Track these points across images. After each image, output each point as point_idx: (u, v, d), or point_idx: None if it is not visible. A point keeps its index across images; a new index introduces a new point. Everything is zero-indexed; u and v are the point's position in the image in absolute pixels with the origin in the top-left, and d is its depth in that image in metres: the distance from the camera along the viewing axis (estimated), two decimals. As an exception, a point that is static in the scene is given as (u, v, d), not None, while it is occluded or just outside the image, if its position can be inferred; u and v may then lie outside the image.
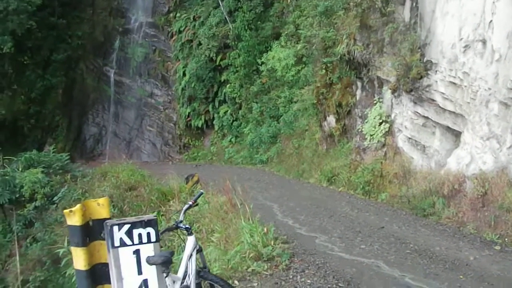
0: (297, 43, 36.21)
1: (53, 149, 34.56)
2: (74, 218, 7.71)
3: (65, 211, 7.84)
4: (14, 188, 24.93)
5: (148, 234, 7.73)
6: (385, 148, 22.28)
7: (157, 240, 7.81)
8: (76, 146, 59.99)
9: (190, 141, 51.71)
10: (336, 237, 15.33)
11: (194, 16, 52.97)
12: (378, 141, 22.52)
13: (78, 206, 7.79)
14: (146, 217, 7.92)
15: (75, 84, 62.78)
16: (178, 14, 56.07)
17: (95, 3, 64.69)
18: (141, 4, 62.49)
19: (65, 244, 16.87)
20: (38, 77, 59.87)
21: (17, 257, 21.61)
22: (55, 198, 23.93)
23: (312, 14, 28.91)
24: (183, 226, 8.60)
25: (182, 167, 39.54)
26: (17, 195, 24.92)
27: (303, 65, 36.51)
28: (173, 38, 55.88)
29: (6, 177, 25.54)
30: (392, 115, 22.12)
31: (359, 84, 25.32)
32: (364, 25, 22.95)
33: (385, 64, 21.79)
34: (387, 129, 22.29)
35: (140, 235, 7.67)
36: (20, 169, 26.07)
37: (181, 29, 54.39)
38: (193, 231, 8.80)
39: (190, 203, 9.24)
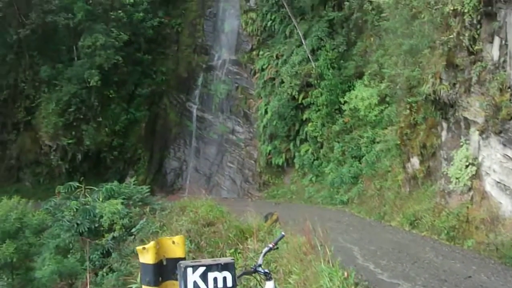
0: (381, 82, 36.10)
1: (134, 181, 35.88)
2: (147, 256, 7.53)
3: (138, 248, 7.71)
4: (94, 217, 26.02)
5: (224, 278, 7.31)
6: (472, 192, 21.70)
7: (234, 285, 7.36)
8: (156, 179, 61.86)
9: (270, 178, 52.06)
10: (420, 286, 14.94)
11: (277, 54, 53.88)
12: (464, 184, 21.98)
13: (152, 243, 7.62)
14: (223, 260, 7.55)
15: (158, 118, 65.17)
16: (261, 52, 57.27)
17: (180, 40, 67.40)
18: (225, 41, 64.41)
19: (138, 279, 17.19)
20: (123, 110, 62.68)
21: (88, 286, 22.27)
22: (133, 230, 24.63)
23: (397, 53, 28.88)
24: (262, 271, 8.21)
25: (261, 204, 39.83)
26: (96, 225, 25.96)
27: (387, 105, 36.33)
28: (256, 76, 56.96)
29: (87, 207, 26.76)
30: (480, 158, 21.57)
31: (444, 125, 24.92)
32: (450, 64, 22.70)
33: (473, 104, 21.40)
34: (474, 172, 21.72)
35: (215, 279, 7.28)
36: (100, 199, 27.18)
37: (264, 67, 55.40)
38: (272, 276, 8.40)
39: (270, 246, 8.86)
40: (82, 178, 38.90)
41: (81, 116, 59.94)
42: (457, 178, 22.44)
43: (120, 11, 62.03)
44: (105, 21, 60.98)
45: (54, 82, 59.82)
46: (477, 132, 21.35)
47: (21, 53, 60.39)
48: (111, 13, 61.68)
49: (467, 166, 22.06)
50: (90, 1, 60.62)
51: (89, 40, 57.97)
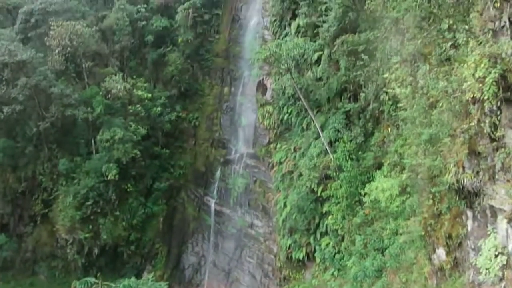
0: (401, 172, 36.01)
1: (152, 277, 35.51)
2: None
3: None
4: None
5: None
6: (503, 282, 21.03)
7: None
8: (174, 275, 61.15)
9: (290, 273, 51.11)
10: None
11: (294, 147, 54.39)
12: (495, 275, 21.33)
13: None
14: None
15: (176, 212, 65.32)
16: (278, 145, 57.92)
17: (197, 134, 68.75)
18: (242, 135, 65.54)
19: None
20: (140, 204, 63.09)
21: None
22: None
23: (416, 143, 28.95)
24: None
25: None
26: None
27: (408, 195, 36.00)
28: (274, 169, 57.24)
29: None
30: (510, 247, 21.07)
31: (470, 214, 24.54)
32: (472, 151, 22.64)
33: (499, 192, 21.15)
34: (504, 262, 21.13)
35: None
36: (118, 297, 26.89)
37: (282, 160, 55.76)
38: None
39: None
40: (98, 273, 38.75)
41: (98, 210, 60.47)
42: (487, 269, 21.81)
43: (138, 106, 63.99)
44: (123, 115, 62.80)
45: (72, 175, 60.89)
46: (505, 220, 20.97)
47: (40, 145, 61.93)
48: (130, 107, 63.66)
49: (496, 256, 21.49)
50: (109, 96, 62.57)
51: (107, 134, 59.42)
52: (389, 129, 41.91)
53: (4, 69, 59.10)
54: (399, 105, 33.18)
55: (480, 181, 22.51)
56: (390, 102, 38.49)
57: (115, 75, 64.85)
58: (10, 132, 62.52)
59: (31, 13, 67.33)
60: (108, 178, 58.93)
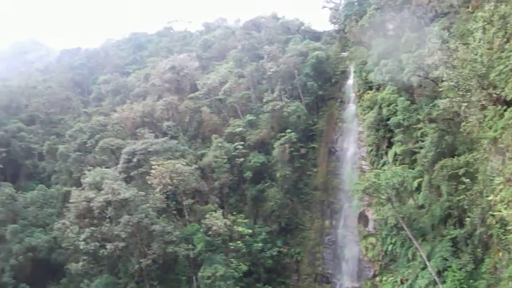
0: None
1: None
2: None
3: None
4: None
5: None
6: None
7: None
8: None
9: None
10: None
11: (401, 279, 52.78)
12: None
13: None
14: None
15: None
16: (384, 278, 56.60)
17: (299, 269, 68.48)
18: (346, 269, 64.61)
19: None
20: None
21: None
22: None
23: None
24: None
25: None
26: None
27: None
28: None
29: None
30: None
31: None
32: None
33: None
34: None
35: None
36: None
37: (388, 294, 54.26)
38: None
39: None
40: None
41: None
42: None
43: (239, 242, 65.09)
44: (224, 251, 63.92)
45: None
46: None
47: (142, 282, 63.61)
48: (230, 243, 64.81)
49: None
50: (210, 232, 64.14)
51: (208, 271, 60.41)
52: (500, 254, 40.15)
53: (107, 207, 62.81)
54: (508, 227, 32.23)
55: None
56: (498, 226, 37.37)
57: (215, 212, 66.99)
58: (113, 268, 65.27)
59: (133, 153, 72.30)
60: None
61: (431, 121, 51.02)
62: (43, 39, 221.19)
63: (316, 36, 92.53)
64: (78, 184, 72.47)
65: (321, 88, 76.87)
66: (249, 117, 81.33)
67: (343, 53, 76.40)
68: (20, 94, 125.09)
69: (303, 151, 73.48)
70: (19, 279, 70.89)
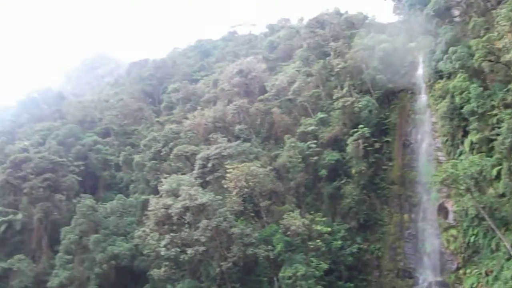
0: None
1: None
2: None
3: None
4: None
5: None
6: None
7: None
8: None
9: None
10: None
11: (486, 271, 52.36)
12: None
13: None
14: None
15: None
16: (468, 270, 56.09)
17: (381, 265, 68.61)
18: (428, 263, 64.25)
19: None
20: None
21: None
22: None
23: None
24: None
25: None
26: None
27: None
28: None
29: None
30: None
31: None
32: None
33: None
34: None
35: None
36: None
37: (474, 286, 53.81)
38: None
39: None
40: None
41: None
42: None
43: (318, 241, 65.85)
44: (304, 251, 64.85)
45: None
46: None
47: (224, 285, 65.34)
48: (309, 242, 65.65)
49: None
50: (288, 232, 65.29)
51: (289, 271, 61.52)
52: None
53: (186, 212, 64.85)
54: None
55: None
56: None
57: (293, 211, 68.15)
58: (194, 272, 67.33)
59: (207, 158, 74.29)
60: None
61: (506, 106, 50.49)
62: (112, 53, 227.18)
63: (381, 28, 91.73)
64: (155, 192, 75.29)
65: (390, 80, 76.32)
66: (320, 115, 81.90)
67: (410, 44, 75.67)
68: (94, 108, 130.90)
69: (377, 145, 73.22)
70: (104, 287, 74.44)
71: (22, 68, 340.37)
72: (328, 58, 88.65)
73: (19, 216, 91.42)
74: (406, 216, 70.04)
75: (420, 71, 72.21)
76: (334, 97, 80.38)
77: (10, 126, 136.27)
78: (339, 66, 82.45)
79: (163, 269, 66.41)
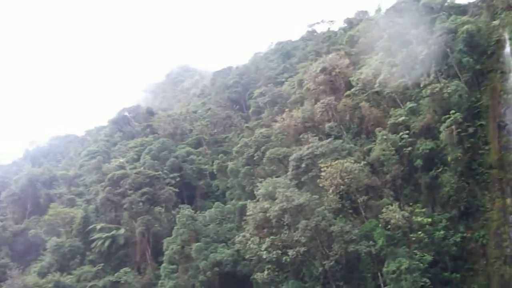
0: None
1: None
2: None
3: None
4: None
5: None
6: None
7: None
8: None
9: None
10: None
11: None
12: None
13: None
14: None
15: None
16: None
17: (486, 253, 67.19)
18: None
19: None
20: None
21: None
22: None
23: None
24: None
25: None
26: None
27: None
28: None
29: None
30: None
31: None
32: None
33: None
34: None
35: None
36: None
37: None
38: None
39: None
40: None
41: None
42: None
43: (420, 232, 65.65)
44: (406, 244, 64.93)
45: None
46: None
47: (328, 284, 66.70)
48: (411, 235, 65.62)
49: None
50: (389, 226, 65.57)
51: (393, 265, 61.80)
52: None
53: (284, 214, 66.64)
54: None
55: None
56: None
57: (391, 205, 68.30)
58: (297, 273, 68.98)
59: (300, 159, 75.97)
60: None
61: None
62: (194, 64, 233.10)
63: (462, 10, 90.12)
64: (251, 197, 77.66)
65: (477, 62, 75.00)
66: (409, 104, 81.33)
67: (494, 22, 74.03)
68: (183, 120, 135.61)
69: (471, 130, 71.89)
70: (209, 294, 77.21)
71: (110, 86, 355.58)
72: (410, 46, 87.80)
73: (122, 230, 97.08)
74: (508, 201, 68.22)
75: (508, 49, 70.63)
76: (421, 85, 79.84)
77: (105, 145, 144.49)
78: (423, 53, 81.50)
79: (266, 272, 68.53)
